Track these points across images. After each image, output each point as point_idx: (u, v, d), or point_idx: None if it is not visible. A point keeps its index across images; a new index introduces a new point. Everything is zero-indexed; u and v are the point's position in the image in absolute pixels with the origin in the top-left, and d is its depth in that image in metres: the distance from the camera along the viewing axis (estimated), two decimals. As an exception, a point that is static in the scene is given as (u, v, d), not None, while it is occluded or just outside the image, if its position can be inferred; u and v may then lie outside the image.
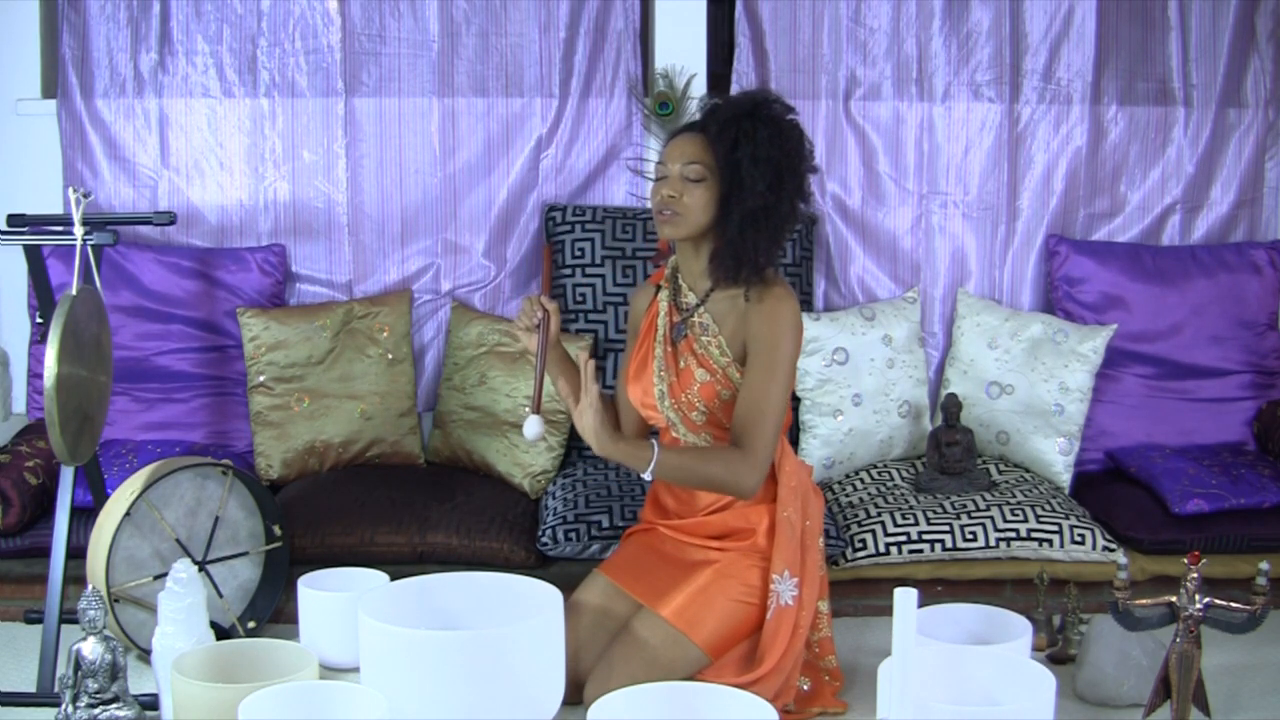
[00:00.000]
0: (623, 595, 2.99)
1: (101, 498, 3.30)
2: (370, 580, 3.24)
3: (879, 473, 3.86)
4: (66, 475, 3.12)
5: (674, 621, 2.88)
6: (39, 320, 3.32)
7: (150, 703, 2.88)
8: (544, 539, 3.45)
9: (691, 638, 2.87)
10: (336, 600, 3.14)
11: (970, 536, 3.49)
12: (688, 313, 2.99)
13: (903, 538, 3.48)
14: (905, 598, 2.32)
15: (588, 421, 2.79)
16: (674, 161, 2.92)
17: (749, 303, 2.91)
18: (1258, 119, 4.20)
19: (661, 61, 4.13)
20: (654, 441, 2.84)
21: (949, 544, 3.49)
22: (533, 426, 2.81)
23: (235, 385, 3.91)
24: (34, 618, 3.37)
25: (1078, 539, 3.49)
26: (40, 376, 3.52)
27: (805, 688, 3.00)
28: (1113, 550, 3.48)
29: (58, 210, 3.85)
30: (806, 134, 2.96)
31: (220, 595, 3.28)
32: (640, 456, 2.81)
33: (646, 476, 2.84)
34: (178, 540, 3.21)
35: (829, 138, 4.14)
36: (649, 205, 2.98)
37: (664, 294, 3.05)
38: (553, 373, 3.00)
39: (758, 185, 2.85)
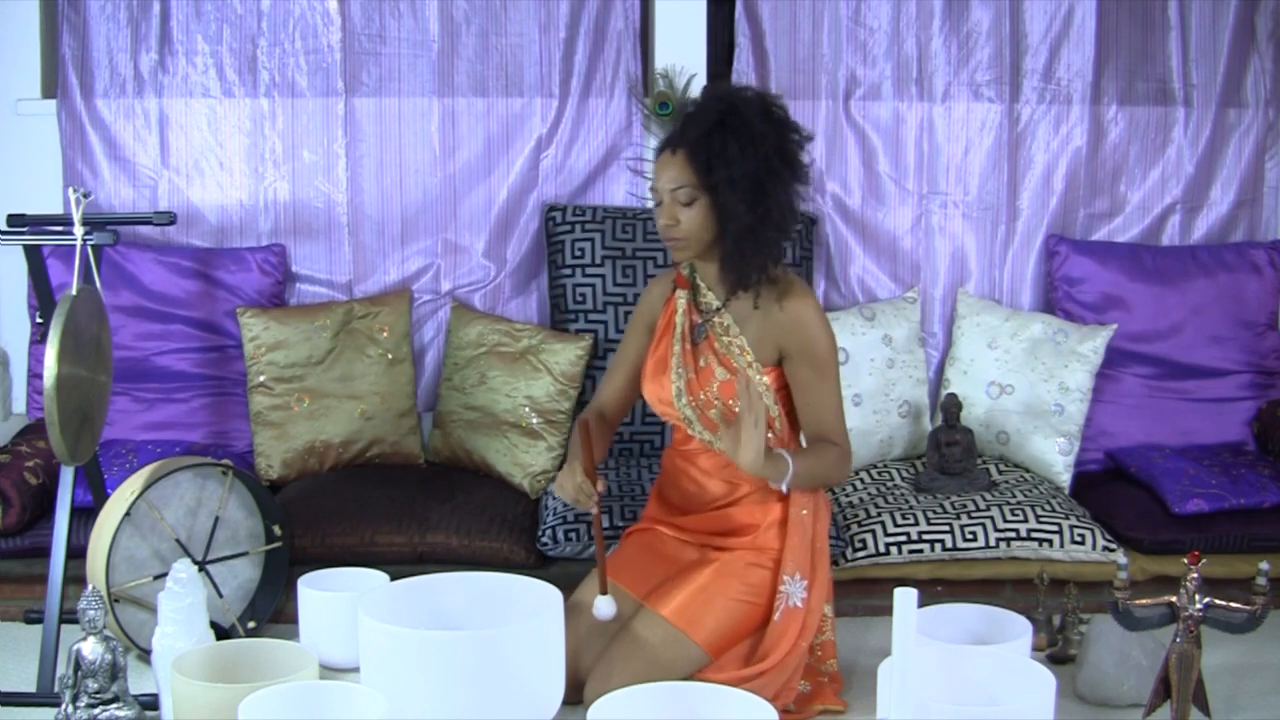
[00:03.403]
0: (623, 595, 2.99)
1: (101, 498, 3.30)
2: (370, 580, 3.24)
3: (879, 473, 3.86)
4: (66, 475, 3.12)
5: (674, 620, 2.88)
6: (39, 320, 3.32)
7: (150, 703, 2.88)
8: (544, 539, 3.45)
9: (691, 637, 2.87)
10: (336, 600, 3.14)
11: (970, 536, 3.49)
12: (709, 314, 2.99)
13: (903, 538, 3.48)
14: (905, 598, 2.32)
15: (755, 448, 2.71)
16: (663, 187, 2.90)
17: (768, 310, 2.91)
18: (1258, 119, 4.20)
19: (661, 61, 4.13)
20: (784, 454, 2.81)
21: (949, 544, 3.49)
22: (604, 608, 2.85)
23: (235, 385, 3.91)
24: (34, 618, 3.37)
25: (1078, 539, 3.49)
26: (40, 376, 3.52)
27: (805, 690, 3.00)
28: (1113, 550, 3.48)
29: (58, 210, 3.85)
30: (791, 119, 2.91)
31: (220, 595, 3.28)
32: (780, 470, 2.80)
33: (782, 488, 2.84)
34: (178, 540, 3.21)
35: (829, 138, 4.14)
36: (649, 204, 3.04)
37: (682, 293, 3.04)
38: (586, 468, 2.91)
39: (739, 207, 2.82)
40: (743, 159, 2.81)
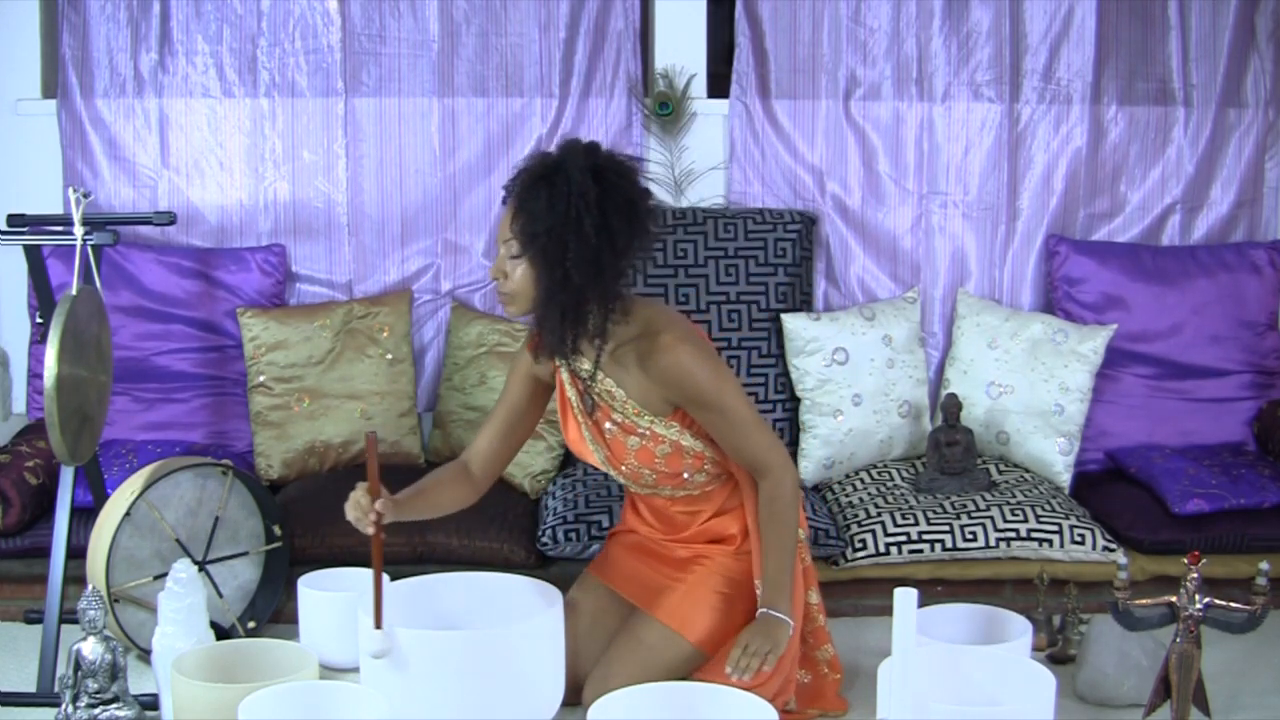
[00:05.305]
0: (616, 597, 3.00)
1: (101, 498, 3.30)
2: (370, 580, 3.23)
3: (879, 473, 3.86)
4: (66, 475, 3.12)
5: (668, 621, 2.88)
6: (39, 320, 3.32)
7: (150, 703, 2.88)
8: (544, 539, 3.45)
9: (687, 636, 2.88)
10: (336, 600, 3.14)
11: (970, 536, 3.49)
12: (588, 380, 2.85)
13: (903, 538, 3.48)
14: (905, 598, 2.32)
15: (781, 649, 2.75)
16: (499, 237, 2.76)
17: (639, 370, 2.78)
18: (1258, 119, 4.19)
19: (661, 61, 4.13)
20: (769, 612, 2.77)
21: (949, 544, 3.49)
22: (378, 643, 2.55)
23: (235, 385, 3.91)
24: (34, 618, 3.37)
25: (1078, 539, 3.49)
26: (40, 376, 3.52)
27: (805, 680, 3.00)
28: (1113, 550, 3.48)
29: (58, 210, 3.85)
30: (633, 179, 2.71)
31: (220, 595, 3.28)
32: (783, 627, 2.78)
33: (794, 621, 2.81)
34: (178, 540, 3.21)
35: (829, 138, 4.14)
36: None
37: (559, 360, 2.85)
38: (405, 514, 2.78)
39: (538, 267, 2.67)
40: (548, 213, 2.63)
